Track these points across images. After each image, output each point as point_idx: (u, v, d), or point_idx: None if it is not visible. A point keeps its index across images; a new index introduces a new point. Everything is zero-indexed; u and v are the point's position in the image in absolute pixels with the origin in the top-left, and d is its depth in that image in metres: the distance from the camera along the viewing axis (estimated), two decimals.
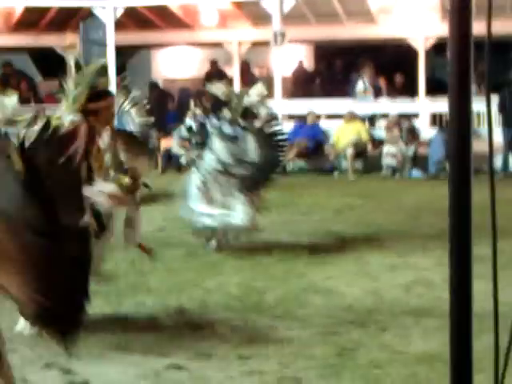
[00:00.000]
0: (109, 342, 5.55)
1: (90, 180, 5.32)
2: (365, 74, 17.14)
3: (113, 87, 16.05)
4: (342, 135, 15.50)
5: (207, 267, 7.61)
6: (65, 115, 5.47)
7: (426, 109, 16.47)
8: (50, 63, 18.65)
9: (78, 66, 5.76)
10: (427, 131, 15.67)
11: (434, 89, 15.79)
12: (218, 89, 8.45)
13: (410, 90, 17.17)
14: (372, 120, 16.30)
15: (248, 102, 8.18)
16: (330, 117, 16.49)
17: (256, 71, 19.86)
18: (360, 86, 17.08)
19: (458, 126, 2.24)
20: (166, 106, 18.16)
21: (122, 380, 4.85)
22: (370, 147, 15.51)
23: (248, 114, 8.12)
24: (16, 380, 4.76)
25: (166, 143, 16.58)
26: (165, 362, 5.12)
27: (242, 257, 7.97)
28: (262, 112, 8.17)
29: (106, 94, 5.81)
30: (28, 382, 4.79)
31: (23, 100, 18.03)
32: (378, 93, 17.26)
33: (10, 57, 18.85)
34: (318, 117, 16.14)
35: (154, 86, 18.66)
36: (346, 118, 15.65)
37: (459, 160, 2.25)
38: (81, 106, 5.57)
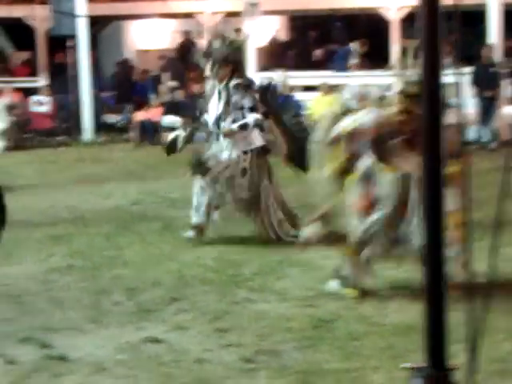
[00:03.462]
0: (85, 316, 5.55)
1: None
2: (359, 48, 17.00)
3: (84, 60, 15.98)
4: (317, 107, 15.48)
5: (183, 241, 7.58)
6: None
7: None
8: (21, 35, 18.46)
9: None
10: None
11: None
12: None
13: (382, 61, 17.15)
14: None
15: None
16: (306, 89, 16.44)
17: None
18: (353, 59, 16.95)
19: (429, 97, 2.25)
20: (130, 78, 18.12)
21: (100, 353, 4.84)
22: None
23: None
24: None
25: (140, 115, 16.50)
26: (142, 335, 5.12)
27: (217, 230, 7.95)
28: None
29: None
30: (5, 357, 4.77)
31: None
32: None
33: None
34: (292, 88, 16.08)
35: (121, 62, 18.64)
36: (321, 90, 15.62)
37: (431, 131, 2.26)
38: None
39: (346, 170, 5.83)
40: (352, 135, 5.75)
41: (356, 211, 5.72)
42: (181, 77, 17.63)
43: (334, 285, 5.85)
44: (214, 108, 7.64)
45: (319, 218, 6.13)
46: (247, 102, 7.53)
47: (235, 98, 7.50)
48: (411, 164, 5.43)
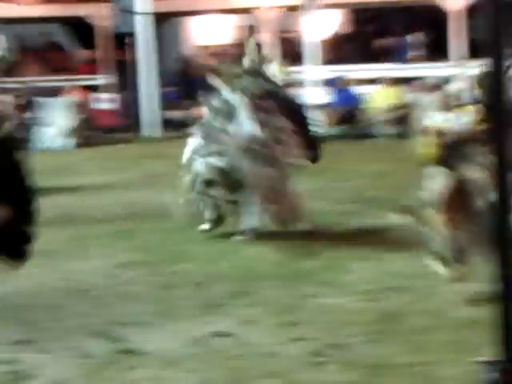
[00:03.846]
0: (154, 310, 5.62)
1: None
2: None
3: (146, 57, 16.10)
4: (377, 100, 15.40)
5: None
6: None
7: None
8: (83, 33, 18.72)
9: None
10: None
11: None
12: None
13: (441, 53, 16.99)
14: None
15: None
16: (366, 82, 16.36)
17: (288, 37, 19.74)
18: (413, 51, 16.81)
19: (493, 86, 2.23)
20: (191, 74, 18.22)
21: (169, 347, 4.91)
22: (405, 111, 15.39)
23: None
24: (66, 348, 4.88)
25: (201, 111, 16.56)
26: (210, 329, 5.17)
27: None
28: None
29: None
30: (77, 350, 4.86)
31: (56, 70, 18.17)
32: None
33: (43, 27, 18.90)
34: (353, 82, 16.03)
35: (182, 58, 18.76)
36: (381, 83, 15.52)
37: (494, 117, 2.25)
38: None
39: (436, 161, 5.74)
40: (439, 133, 5.69)
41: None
42: None
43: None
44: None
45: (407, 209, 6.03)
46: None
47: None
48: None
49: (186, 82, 18.22)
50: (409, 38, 16.96)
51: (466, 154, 5.51)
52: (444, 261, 5.66)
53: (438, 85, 13.48)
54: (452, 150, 5.57)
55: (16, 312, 5.67)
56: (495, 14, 2.19)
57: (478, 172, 5.42)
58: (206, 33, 20.39)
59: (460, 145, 5.55)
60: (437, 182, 5.59)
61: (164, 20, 19.71)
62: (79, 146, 15.41)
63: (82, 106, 16.20)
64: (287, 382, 4.39)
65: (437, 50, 17.35)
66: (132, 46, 16.52)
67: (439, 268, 5.67)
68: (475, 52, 15.96)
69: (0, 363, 4.69)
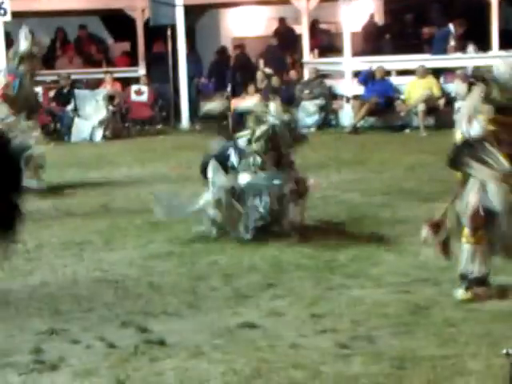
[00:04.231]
0: (183, 301, 5.65)
1: None
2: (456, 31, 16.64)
3: (182, 49, 16.17)
4: (413, 91, 15.27)
5: None
6: None
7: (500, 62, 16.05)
8: (120, 25, 18.81)
9: None
10: None
11: (507, 41, 15.38)
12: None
13: (481, 43, 16.78)
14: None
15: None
16: (401, 72, 16.24)
17: (325, 27, 19.67)
18: (452, 42, 16.60)
19: None
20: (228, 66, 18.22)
21: (197, 338, 4.93)
22: (442, 102, 15.26)
23: None
24: (94, 338, 4.92)
25: (237, 103, 16.61)
26: (238, 320, 5.19)
27: (312, 216, 7.96)
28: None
29: None
30: (105, 340, 4.90)
31: (94, 63, 18.30)
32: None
33: (82, 20, 19.03)
34: (388, 72, 15.91)
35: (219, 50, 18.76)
36: (417, 73, 15.38)
37: None
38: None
39: None
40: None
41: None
42: (279, 63, 17.67)
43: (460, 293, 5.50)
44: None
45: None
46: None
47: None
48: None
49: (223, 74, 18.25)
50: (449, 27, 16.73)
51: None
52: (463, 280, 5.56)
53: (477, 75, 13.33)
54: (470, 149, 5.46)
55: (45, 302, 5.72)
56: None
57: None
58: (242, 24, 20.39)
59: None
60: (472, 194, 5.43)
61: (201, 12, 19.75)
62: (107, 138, 15.51)
63: (117, 98, 16.28)
64: (313, 373, 4.39)
65: (476, 40, 17.14)
66: (170, 37, 16.55)
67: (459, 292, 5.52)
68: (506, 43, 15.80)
69: (27, 353, 4.75)
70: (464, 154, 5.46)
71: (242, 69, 18.05)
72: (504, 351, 3.65)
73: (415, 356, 4.54)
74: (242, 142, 7.54)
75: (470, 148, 5.42)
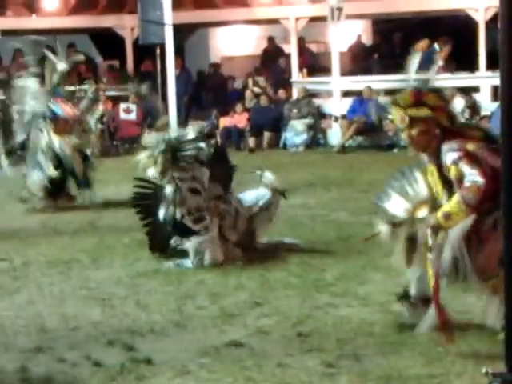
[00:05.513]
0: (170, 320, 5.64)
1: None
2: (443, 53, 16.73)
3: (171, 67, 16.23)
4: None
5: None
6: None
7: (487, 82, 16.18)
8: (110, 44, 18.87)
9: None
10: (488, 105, 15.42)
11: (495, 62, 15.45)
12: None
13: (469, 64, 16.89)
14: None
15: None
16: (389, 93, 16.31)
17: (313, 47, 19.78)
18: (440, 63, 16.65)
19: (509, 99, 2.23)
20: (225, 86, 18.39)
21: (183, 356, 4.92)
22: None
23: None
24: (80, 357, 4.91)
25: (225, 121, 16.67)
26: (225, 339, 5.18)
27: (300, 235, 7.98)
28: None
29: None
30: (92, 359, 4.89)
31: (83, 81, 18.30)
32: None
33: (71, 38, 19.06)
34: (376, 92, 15.98)
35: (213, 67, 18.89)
36: None
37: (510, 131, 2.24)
38: None
39: None
40: None
41: None
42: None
43: None
44: None
45: None
46: None
47: None
48: None
49: (212, 92, 18.33)
50: (434, 46, 16.83)
51: None
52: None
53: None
54: None
55: (31, 320, 5.70)
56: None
57: None
58: (231, 43, 20.49)
59: None
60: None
61: (191, 30, 19.84)
62: (103, 155, 15.49)
63: (106, 117, 16.29)
64: None
65: (463, 61, 17.25)
66: (158, 56, 16.61)
67: None
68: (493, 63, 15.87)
69: (12, 371, 4.73)
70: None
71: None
72: (484, 370, 3.66)
73: (401, 375, 4.55)
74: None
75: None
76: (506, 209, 2.26)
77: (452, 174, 4.88)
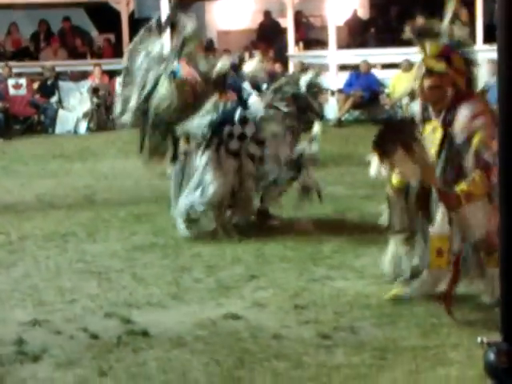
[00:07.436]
0: (167, 292, 5.66)
1: None
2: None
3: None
4: (398, 84, 15.31)
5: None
6: None
7: (484, 56, 16.10)
8: (105, 18, 18.78)
9: None
10: (486, 78, 15.35)
11: (492, 36, 15.40)
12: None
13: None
14: None
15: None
16: (386, 66, 16.27)
17: (310, 21, 19.69)
18: None
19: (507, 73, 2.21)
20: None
21: (180, 329, 4.94)
22: None
23: None
24: (77, 329, 4.92)
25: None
26: (221, 312, 5.20)
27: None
28: None
29: None
30: (88, 331, 4.90)
31: (79, 55, 18.24)
32: None
33: (66, 12, 18.98)
34: (373, 66, 15.94)
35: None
36: (402, 67, 15.41)
37: (508, 106, 2.23)
38: None
39: None
40: None
41: None
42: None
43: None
44: None
45: None
46: None
47: None
48: None
49: None
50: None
51: None
52: None
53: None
54: None
55: (28, 294, 5.71)
56: None
57: None
58: (227, 17, 20.38)
59: None
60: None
61: (186, 4, 19.70)
62: (91, 130, 15.49)
63: (102, 91, 16.23)
64: (295, 364, 4.41)
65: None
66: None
67: None
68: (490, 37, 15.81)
69: (8, 344, 4.74)
70: (390, 137, 5.24)
71: None
72: (479, 340, 3.66)
73: (397, 346, 4.57)
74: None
75: (397, 130, 5.24)
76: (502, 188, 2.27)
77: (475, 142, 4.84)
